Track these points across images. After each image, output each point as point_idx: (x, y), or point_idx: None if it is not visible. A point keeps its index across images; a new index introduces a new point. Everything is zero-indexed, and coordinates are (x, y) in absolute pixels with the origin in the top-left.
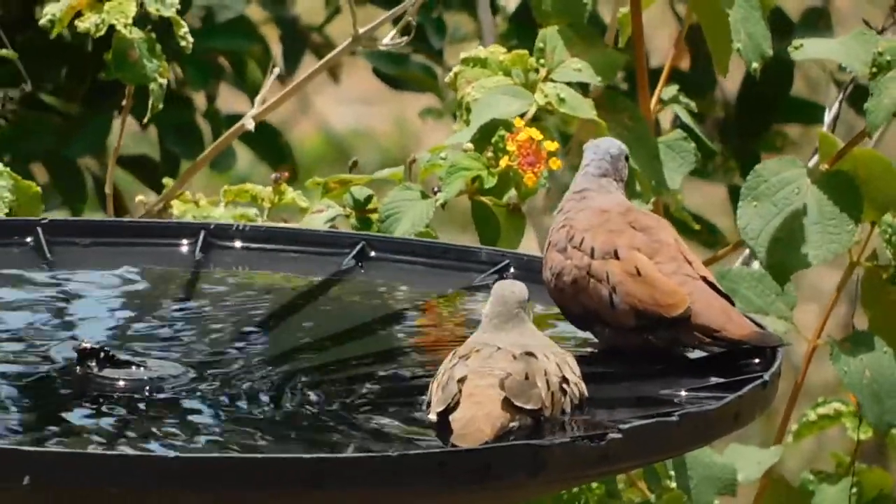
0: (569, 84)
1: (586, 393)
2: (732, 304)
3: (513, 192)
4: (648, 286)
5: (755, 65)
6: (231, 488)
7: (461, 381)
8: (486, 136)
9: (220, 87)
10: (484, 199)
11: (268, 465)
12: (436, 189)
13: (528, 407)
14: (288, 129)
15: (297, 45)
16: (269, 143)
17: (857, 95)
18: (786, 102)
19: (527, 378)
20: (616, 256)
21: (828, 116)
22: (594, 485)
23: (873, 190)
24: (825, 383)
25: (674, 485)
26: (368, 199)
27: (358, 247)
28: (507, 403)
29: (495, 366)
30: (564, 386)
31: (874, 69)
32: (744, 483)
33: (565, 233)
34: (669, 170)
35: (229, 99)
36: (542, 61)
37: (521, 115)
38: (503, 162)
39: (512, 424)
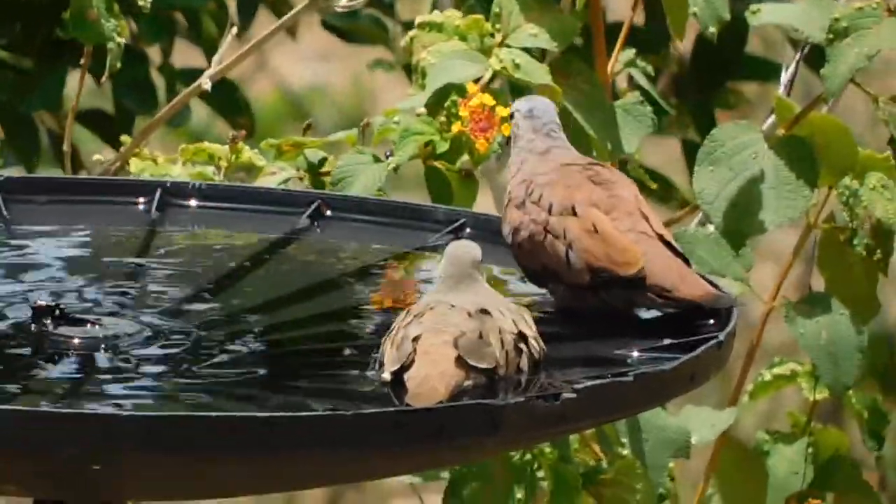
0: (526, 49)
1: (545, 348)
2: (688, 263)
3: (466, 157)
4: (604, 244)
5: (712, 29)
6: (183, 447)
7: (416, 339)
8: (441, 101)
9: (175, 42)
10: (437, 163)
11: (221, 424)
12: (388, 153)
13: (482, 366)
14: (245, 87)
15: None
16: (226, 98)
17: (815, 55)
18: (741, 60)
19: (481, 337)
20: (574, 213)
21: (785, 77)
22: (547, 450)
23: (829, 155)
24: (783, 343)
25: (626, 451)
26: (322, 161)
27: (314, 205)
28: (461, 362)
29: (450, 323)
30: (521, 344)
31: (831, 35)
32: (698, 445)
33: (525, 188)
34: (626, 133)
35: (185, 53)
36: (497, 26)
37: (477, 81)
38: (455, 127)
39: (466, 383)
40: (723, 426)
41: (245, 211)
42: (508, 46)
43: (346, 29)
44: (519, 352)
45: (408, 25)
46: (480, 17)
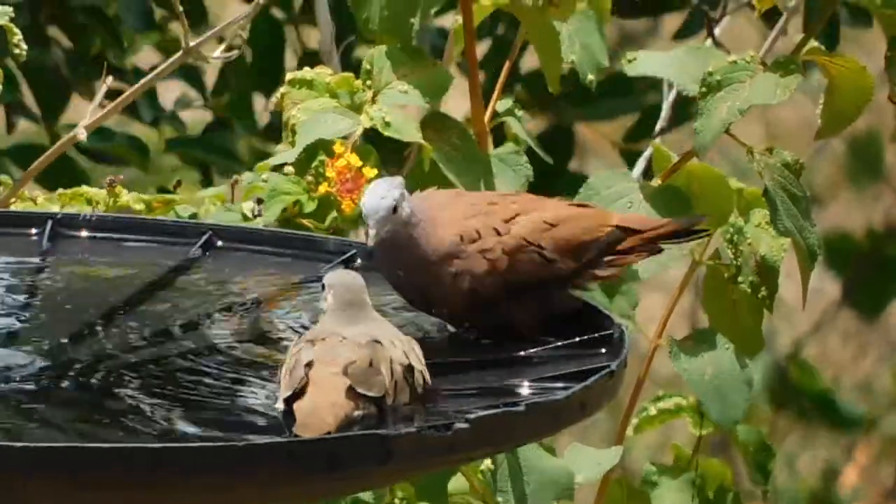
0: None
1: (429, 381)
2: None
3: (335, 215)
4: (576, 221)
5: (591, 76)
6: (73, 478)
7: (308, 365)
8: (311, 158)
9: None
10: (305, 221)
11: (111, 454)
12: (257, 212)
13: (372, 394)
14: (124, 124)
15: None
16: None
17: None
18: (565, 175)
19: (371, 365)
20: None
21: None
22: None
23: (706, 204)
24: (673, 374)
25: None
26: (193, 217)
27: (205, 236)
28: (350, 391)
29: (340, 354)
30: (408, 374)
31: (704, 89)
32: (584, 484)
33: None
34: (502, 184)
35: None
36: (368, 83)
37: (346, 138)
38: (322, 188)
39: (356, 413)
40: (609, 465)
41: (136, 241)
42: (379, 104)
43: (98, 150)
44: (406, 381)
45: (171, 144)
46: (350, 74)
